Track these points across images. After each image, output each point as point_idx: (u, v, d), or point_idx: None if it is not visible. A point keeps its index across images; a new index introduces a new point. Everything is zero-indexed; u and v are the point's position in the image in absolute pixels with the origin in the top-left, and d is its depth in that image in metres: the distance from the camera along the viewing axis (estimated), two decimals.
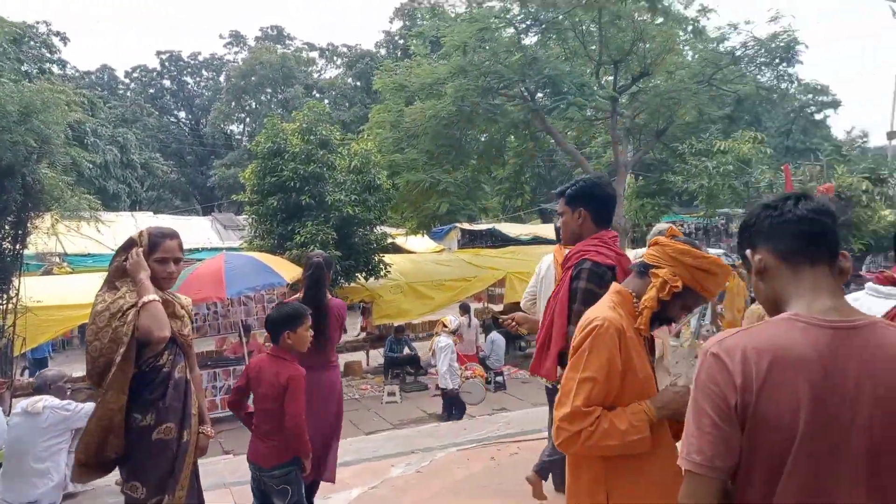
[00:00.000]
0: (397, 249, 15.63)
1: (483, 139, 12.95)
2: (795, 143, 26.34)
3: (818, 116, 31.31)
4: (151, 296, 2.50)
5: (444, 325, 8.04)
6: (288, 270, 8.45)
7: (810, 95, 27.87)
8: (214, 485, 4.40)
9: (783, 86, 14.40)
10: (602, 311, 1.81)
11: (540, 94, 12.08)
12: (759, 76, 14.47)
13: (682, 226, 32.88)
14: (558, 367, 2.47)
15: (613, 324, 1.74)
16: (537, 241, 17.72)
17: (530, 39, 12.52)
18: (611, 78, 13.06)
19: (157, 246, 2.64)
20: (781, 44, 12.19)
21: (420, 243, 17.44)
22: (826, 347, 1.22)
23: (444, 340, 7.84)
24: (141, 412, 2.54)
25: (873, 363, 1.22)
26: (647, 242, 2.25)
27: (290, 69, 35.60)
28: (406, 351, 10.99)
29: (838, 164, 10.40)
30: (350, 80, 35.36)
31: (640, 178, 17.62)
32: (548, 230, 18.94)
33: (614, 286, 1.93)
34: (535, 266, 4.05)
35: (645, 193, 16.69)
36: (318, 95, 34.70)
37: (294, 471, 3.11)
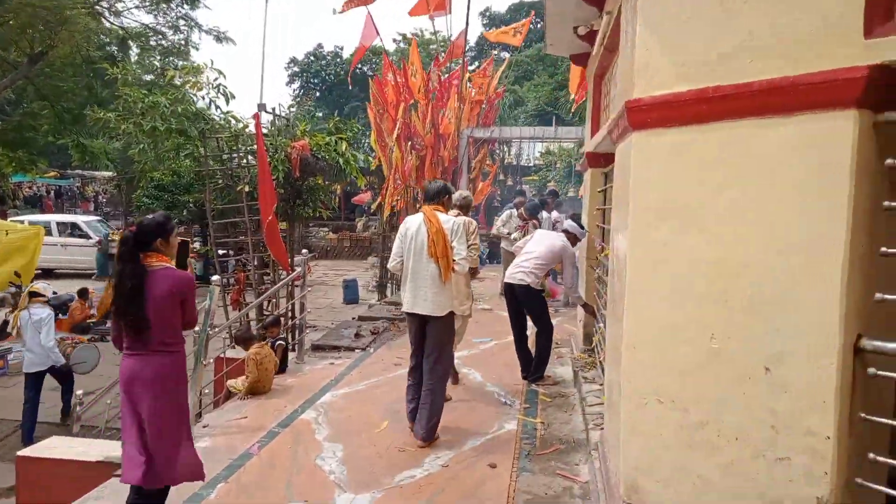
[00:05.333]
0: None
1: None
2: None
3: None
4: None
5: (40, 295, 6.68)
6: None
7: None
8: None
9: (181, 30, 12.69)
10: None
11: None
12: (150, 14, 12.27)
13: (30, 188, 27.12)
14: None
15: None
16: None
17: None
18: None
19: None
20: None
21: None
22: None
23: (41, 311, 6.55)
24: None
25: None
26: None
27: None
28: None
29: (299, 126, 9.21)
30: None
31: None
32: None
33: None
34: None
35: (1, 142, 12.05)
36: None
37: None
